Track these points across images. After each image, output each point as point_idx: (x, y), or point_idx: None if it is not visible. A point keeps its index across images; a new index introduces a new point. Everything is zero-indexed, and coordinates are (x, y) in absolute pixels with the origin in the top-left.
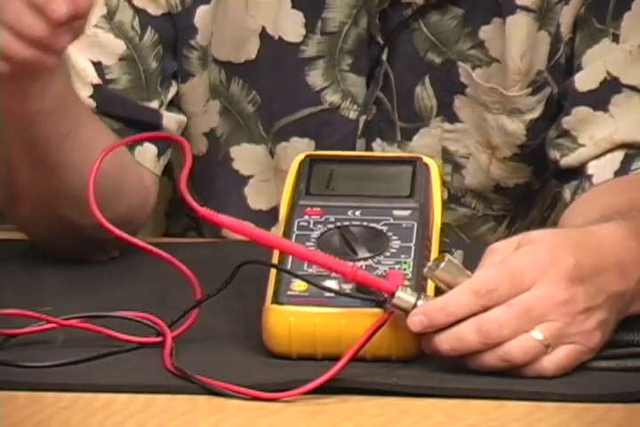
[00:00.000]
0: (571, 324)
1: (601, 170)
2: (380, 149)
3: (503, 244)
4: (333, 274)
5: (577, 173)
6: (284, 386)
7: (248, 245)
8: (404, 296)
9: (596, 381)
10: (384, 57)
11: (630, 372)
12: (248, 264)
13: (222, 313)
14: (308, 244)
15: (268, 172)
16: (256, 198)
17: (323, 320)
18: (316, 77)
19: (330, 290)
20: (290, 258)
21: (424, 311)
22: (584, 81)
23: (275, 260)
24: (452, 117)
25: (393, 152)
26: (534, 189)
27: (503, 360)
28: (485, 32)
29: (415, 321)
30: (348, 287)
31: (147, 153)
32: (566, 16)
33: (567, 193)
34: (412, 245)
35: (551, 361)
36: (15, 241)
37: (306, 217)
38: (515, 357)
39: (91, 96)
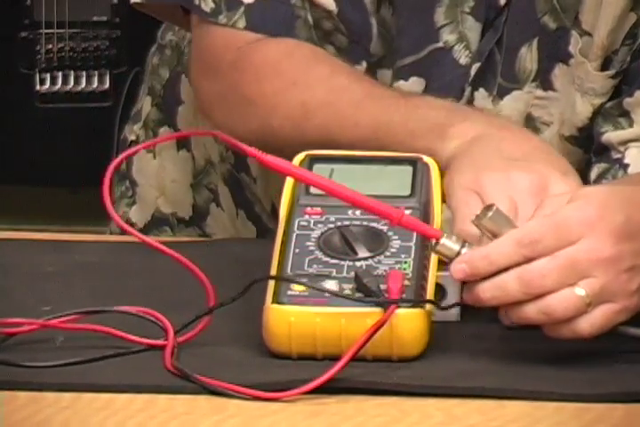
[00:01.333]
0: (613, 282)
1: (639, 161)
2: (481, 100)
3: (556, 198)
4: (333, 274)
5: (610, 154)
6: (284, 386)
7: (248, 245)
8: (449, 244)
9: (596, 380)
10: (505, 9)
11: None
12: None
13: (222, 313)
14: (308, 243)
15: None
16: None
17: (323, 320)
18: (439, 15)
19: (329, 292)
20: (290, 258)
21: (467, 260)
22: None
23: (275, 259)
24: (546, 85)
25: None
26: (587, 182)
27: (543, 313)
28: (583, 4)
29: (458, 269)
30: (347, 287)
31: None
32: None
33: (594, 173)
34: (412, 244)
35: (588, 320)
36: (15, 241)
37: (306, 216)
38: (555, 310)
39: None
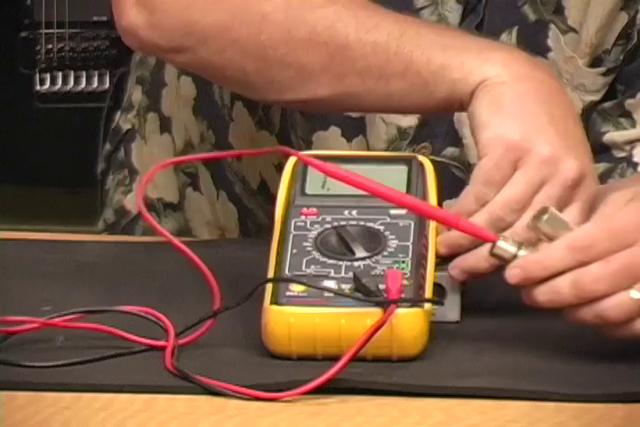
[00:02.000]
0: None
1: None
2: None
3: (619, 195)
4: (332, 274)
5: (611, 153)
6: (284, 386)
7: (247, 245)
8: (505, 246)
9: (597, 381)
10: None
11: None
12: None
13: (222, 314)
14: (305, 244)
15: None
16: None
17: (322, 320)
18: None
19: (329, 290)
20: (288, 259)
21: (521, 264)
22: None
23: (272, 260)
24: None
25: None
26: None
27: (598, 317)
28: (567, 0)
29: (512, 274)
30: (346, 288)
31: None
32: None
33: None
34: (409, 244)
35: None
36: (15, 241)
37: (302, 217)
38: (609, 315)
39: None
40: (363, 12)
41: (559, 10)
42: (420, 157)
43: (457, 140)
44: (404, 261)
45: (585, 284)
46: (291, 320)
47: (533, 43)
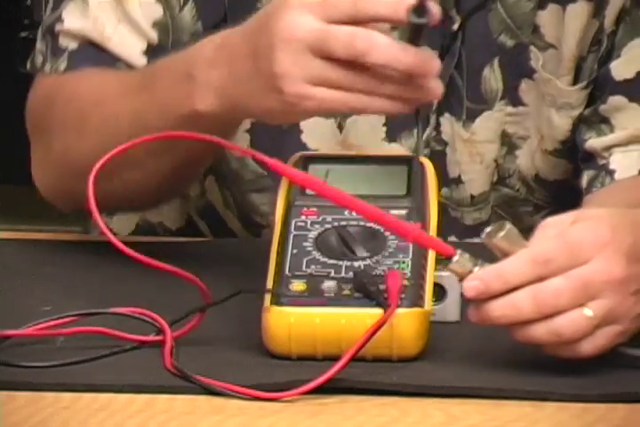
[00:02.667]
0: (621, 304)
1: (625, 167)
2: (448, 124)
3: (557, 219)
4: (332, 274)
5: (596, 160)
6: (284, 386)
7: (246, 245)
8: (462, 261)
9: (596, 381)
10: (460, 32)
11: None
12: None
13: (222, 313)
14: (305, 244)
15: (334, 147)
16: None
17: (323, 321)
18: None
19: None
20: (288, 257)
21: (480, 276)
22: (620, 70)
23: (272, 260)
24: (515, 101)
25: (454, 131)
26: (577, 189)
27: (552, 334)
28: (541, 17)
29: (471, 286)
30: (347, 288)
31: None
32: (612, 9)
33: (584, 180)
34: (409, 244)
35: (591, 342)
36: (15, 241)
37: (303, 217)
38: (564, 332)
39: (144, 52)
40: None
41: (535, 29)
42: (421, 158)
43: (449, 181)
44: (404, 262)
45: (545, 299)
46: (291, 320)
47: (517, 68)
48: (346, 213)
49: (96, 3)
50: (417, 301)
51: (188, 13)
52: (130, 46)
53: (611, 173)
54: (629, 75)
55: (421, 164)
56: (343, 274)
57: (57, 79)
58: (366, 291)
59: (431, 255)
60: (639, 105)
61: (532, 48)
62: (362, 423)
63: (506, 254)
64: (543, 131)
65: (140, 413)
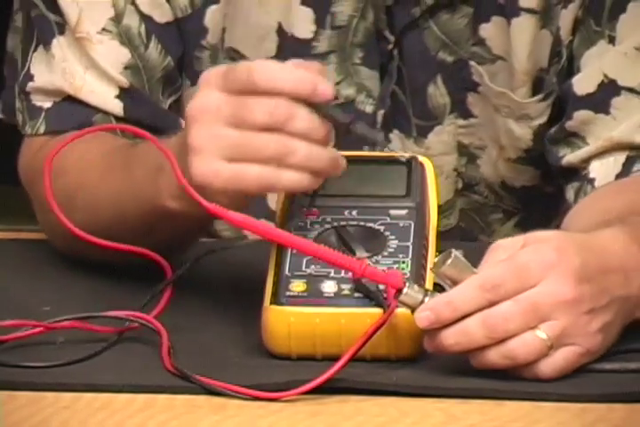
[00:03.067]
0: (574, 324)
1: (603, 174)
2: (398, 140)
3: (508, 241)
4: (332, 274)
5: (578, 172)
6: (284, 386)
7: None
8: (412, 293)
9: (596, 381)
10: (395, 52)
11: (634, 373)
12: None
13: (222, 313)
14: None
15: None
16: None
17: (322, 320)
18: (330, 73)
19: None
20: (288, 257)
21: (431, 307)
22: (582, 84)
23: (272, 260)
24: (465, 113)
25: (405, 147)
26: (546, 194)
27: (506, 358)
28: (485, 30)
29: (422, 317)
30: (346, 288)
31: None
32: (565, 20)
33: (570, 193)
34: (409, 244)
35: (549, 364)
36: (15, 241)
37: (302, 217)
38: (518, 355)
39: (117, 97)
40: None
41: (480, 42)
42: (420, 158)
43: None
44: (404, 262)
45: (495, 323)
46: (291, 320)
47: (461, 82)
48: (346, 213)
49: (60, 53)
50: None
51: (154, 51)
52: (101, 94)
53: (591, 181)
54: (591, 88)
55: (421, 164)
56: (343, 274)
57: (41, 145)
58: (366, 291)
59: (431, 255)
60: (605, 115)
61: (472, 63)
62: (361, 423)
63: (455, 283)
64: (502, 141)
65: (139, 413)
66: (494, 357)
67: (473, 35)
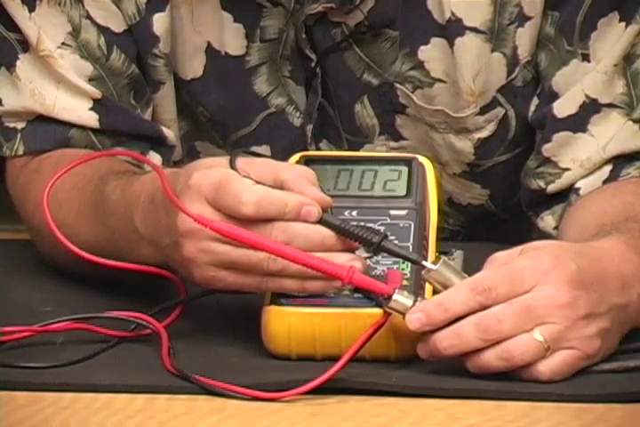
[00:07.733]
0: (571, 328)
1: (590, 182)
2: (327, 149)
3: (505, 253)
4: None
5: (565, 194)
6: (284, 386)
7: None
8: (401, 299)
9: (595, 381)
10: (318, 70)
11: (633, 372)
12: None
13: (222, 314)
14: None
15: None
16: None
17: (322, 321)
18: (261, 84)
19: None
20: None
21: (422, 308)
22: (563, 107)
23: None
24: (395, 136)
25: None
26: (494, 215)
27: (502, 359)
28: (425, 52)
29: (413, 319)
30: (346, 288)
31: None
32: (523, 39)
33: (556, 215)
34: (409, 244)
35: (547, 365)
36: (15, 241)
37: None
38: (514, 356)
39: (91, 109)
40: None
41: (419, 65)
42: (421, 158)
43: None
44: (404, 262)
45: (488, 325)
46: (291, 320)
47: (388, 104)
48: (346, 213)
49: (25, 74)
50: (417, 301)
51: (115, 61)
52: (74, 109)
53: (576, 191)
54: (573, 110)
55: (421, 164)
56: None
57: (24, 163)
58: (366, 291)
59: (431, 255)
60: (583, 133)
61: (398, 86)
62: (361, 424)
63: (445, 287)
64: (444, 157)
65: (139, 413)
66: (490, 358)
67: (410, 58)
